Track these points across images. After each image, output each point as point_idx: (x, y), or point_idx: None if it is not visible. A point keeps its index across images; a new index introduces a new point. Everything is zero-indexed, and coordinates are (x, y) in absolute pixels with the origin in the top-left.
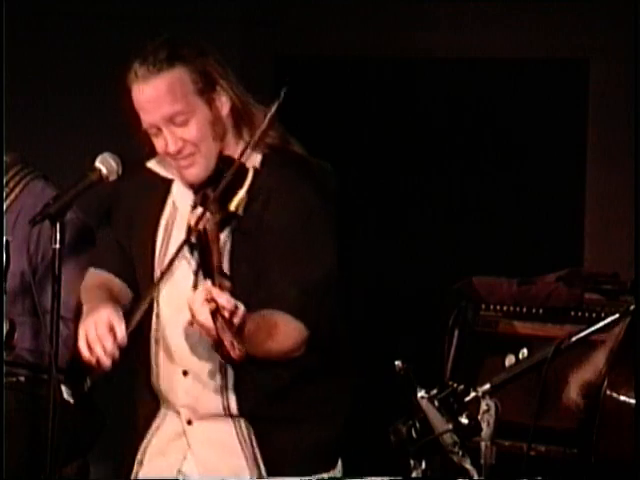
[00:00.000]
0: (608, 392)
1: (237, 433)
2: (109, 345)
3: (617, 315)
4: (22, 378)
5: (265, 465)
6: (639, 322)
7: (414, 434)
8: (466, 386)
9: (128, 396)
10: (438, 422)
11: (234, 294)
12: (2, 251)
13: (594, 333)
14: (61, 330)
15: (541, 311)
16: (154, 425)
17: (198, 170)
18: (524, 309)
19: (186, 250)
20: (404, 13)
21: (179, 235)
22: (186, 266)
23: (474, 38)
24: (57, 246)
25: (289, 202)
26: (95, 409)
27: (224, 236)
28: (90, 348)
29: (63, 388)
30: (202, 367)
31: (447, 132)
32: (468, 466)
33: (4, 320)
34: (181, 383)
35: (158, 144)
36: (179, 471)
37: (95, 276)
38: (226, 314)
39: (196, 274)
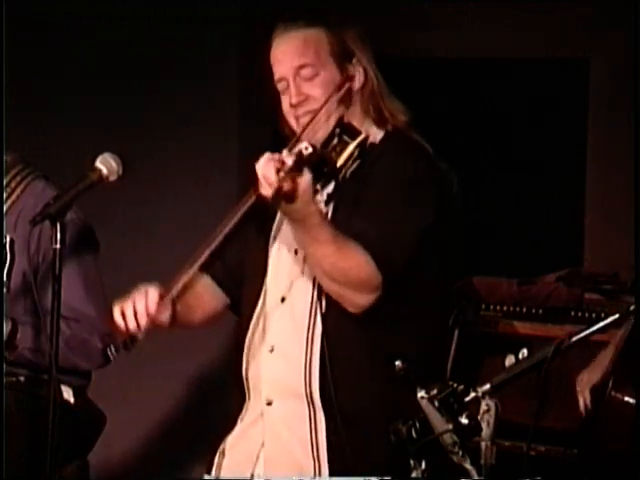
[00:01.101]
0: (613, 392)
1: (310, 422)
2: (140, 307)
3: (617, 315)
4: (22, 378)
5: (329, 465)
6: (639, 322)
7: (414, 434)
8: (466, 386)
9: (128, 396)
10: (438, 422)
11: None
12: (2, 251)
13: (594, 333)
14: (63, 330)
15: (541, 311)
16: (239, 418)
17: (315, 129)
18: (524, 309)
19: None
20: (404, 13)
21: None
22: (284, 247)
23: (474, 38)
24: (57, 246)
25: (400, 168)
26: (95, 409)
27: (327, 193)
28: (122, 315)
29: (63, 388)
30: (288, 343)
31: (447, 132)
32: (468, 466)
33: (6, 320)
34: (267, 359)
35: (285, 102)
36: (252, 475)
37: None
38: (287, 165)
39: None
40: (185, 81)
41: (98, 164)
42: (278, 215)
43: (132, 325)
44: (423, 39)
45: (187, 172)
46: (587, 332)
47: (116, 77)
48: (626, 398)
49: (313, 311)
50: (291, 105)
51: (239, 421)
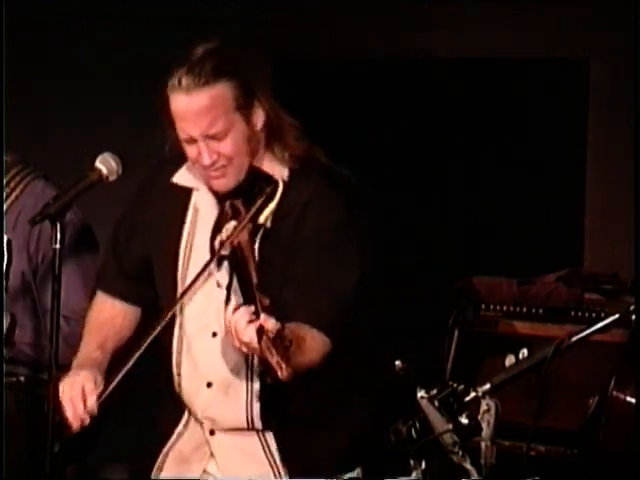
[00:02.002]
0: (615, 392)
1: (262, 445)
2: (79, 409)
3: (617, 315)
4: (22, 378)
5: (289, 472)
6: (639, 322)
7: (414, 434)
8: (466, 386)
9: (128, 396)
10: (438, 422)
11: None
12: (2, 251)
13: (594, 333)
14: (62, 327)
15: (541, 311)
16: (177, 431)
17: (228, 181)
18: (524, 309)
19: (213, 264)
20: (404, 13)
21: (202, 242)
22: (213, 280)
23: (474, 38)
24: (57, 246)
25: (323, 216)
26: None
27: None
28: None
29: None
30: (227, 380)
31: (447, 132)
32: (468, 466)
33: (5, 315)
34: (205, 394)
35: (190, 152)
36: (204, 471)
37: (99, 309)
38: (271, 336)
39: (228, 289)
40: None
41: (98, 164)
42: (185, 235)
43: (76, 424)
44: (423, 39)
45: None
46: (587, 332)
47: (116, 77)
48: (627, 398)
49: None
50: (202, 164)
51: (177, 433)
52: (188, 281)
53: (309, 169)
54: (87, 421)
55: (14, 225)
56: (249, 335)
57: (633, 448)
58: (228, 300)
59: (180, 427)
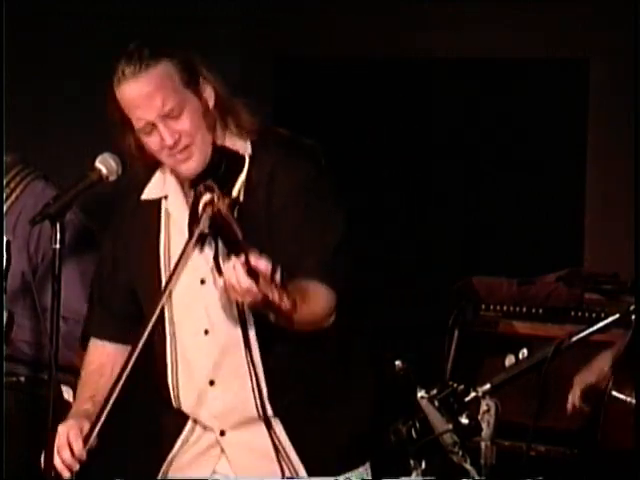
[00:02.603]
0: (613, 392)
1: (272, 441)
2: (66, 457)
3: (617, 315)
4: (22, 378)
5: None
6: (639, 322)
7: (414, 434)
8: (466, 386)
9: (128, 396)
10: (438, 422)
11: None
12: (2, 251)
13: (594, 333)
14: (60, 326)
15: (541, 311)
16: (181, 438)
17: (196, 162)
18: (524, 309)
19: (195, 247)
20: (404, 13)
21: (179, 240)
22: (197, 278)
23: (474, 38)
24: (57, 246)
25: (291, 180)
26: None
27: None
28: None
29: (63, 388)
30: (230, 373)
31: (447, 132)
32: (468, 466)
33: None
34: (209, 394)
35: (153, 142)
36: (214, 471)
37: (91, 358)
38: (267, 275)
39: (216, 259)
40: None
41: (98, 164)
42: (162, 244)
43: (66, 475)
44: (423, 39)
45: None
46: (587, 332)
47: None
48: (627, 398)
49: (246, 338)
50: (168, 147)
51: (181, 440)
52: (174, 288)
53: (269, 140)
54: (76, 467)
55: (14, 225)
56: (246, 281)
57: (633, 448)
58: (219, 270)
59: (185, 433)
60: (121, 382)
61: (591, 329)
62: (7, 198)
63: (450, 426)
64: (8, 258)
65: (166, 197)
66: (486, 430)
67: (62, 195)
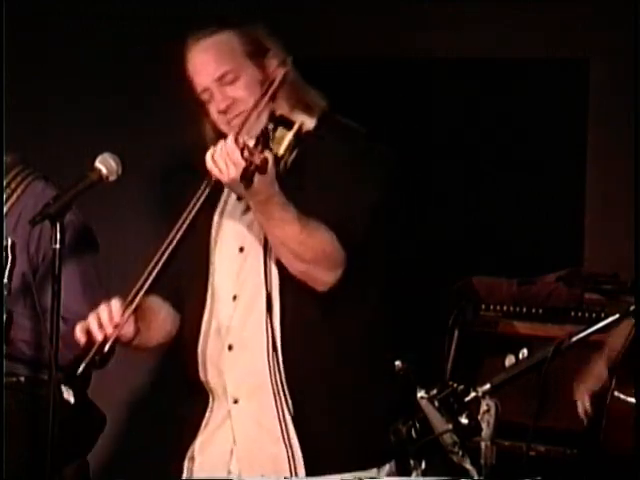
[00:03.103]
0: (616, 393)
1: (278, 412)
2: (104, 319)
3: (617, 315)
4: (22, 378)
5: (303, 456)
6: (639, 322)
7: (414, 434)
8: (466, 386)
9: (128, 396)
10: (438, 422)
11: None
12: (2, 251)
13: (594, 333)
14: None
15: (541, 311)
16: (204, 420)
17: (248, 128)
18: (524, 309)
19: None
20: (404, 13)
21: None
22: (235, 246)
23: (474, 38)
24: (57, 246)
25: (337, 151)
26: (95, 409)
27: None
28: (84, 331)
29: (63, 388)
30: (249, 338)
31: (447, 132)
32: (468, 466)
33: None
34: (227, 358)
35: (212, 109)
36: (229, 472)
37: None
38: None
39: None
40: (185, 81)
41: (98, 164)
42: (216, 215)
43: (99, 336)
44: (423, 39)
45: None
46: (587, 332)
47: (116, 77)
48: (629, 398)
49: (268, 305)
50: (220, 111)
51: (203, 426)
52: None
53: (334, 123)
54: (110, 331)
55: (15, 226)
56: (233, 151)
57: (633, 448)
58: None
59: (207, 414)
60: (163, 258)
61: (591, 329)
62: (8, 199)
63: (450, 426)
64: (13, 259)
65: None
66: (486, 430)
67: (62, 195)
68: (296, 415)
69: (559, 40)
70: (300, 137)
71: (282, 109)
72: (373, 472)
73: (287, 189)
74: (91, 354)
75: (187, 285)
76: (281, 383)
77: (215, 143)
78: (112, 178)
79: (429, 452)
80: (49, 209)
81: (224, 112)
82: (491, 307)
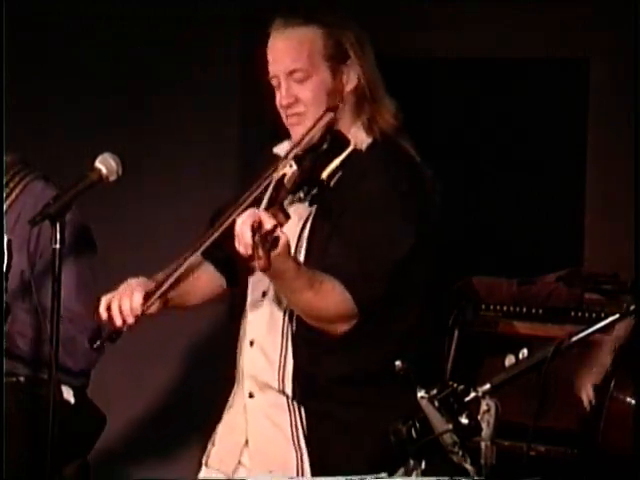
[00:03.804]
0: (615, 393)
1: (290, 414)
2: (125, 306)
3: (617, 315)
4: (22, 378)
5: (310, 460)
6: (639, 322)
7: (414, 434)
8: (466, 386)
9: (128, 396)
10: (438, 422)
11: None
12: (2, 251)
13: (594, 333)
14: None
15: (541, 311)
16: (228, 405)
17: (304, 130)
18: (524, 309)
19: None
20: (404, 13)
21: None
22: None
23: (474, 38)
24: (57, 246)
25: (381, 183)
26: (95, 409)
27: (306, 207)
28: (106, 309)
29: (63, 388)
30: (266, 338)
31: (447, 132)
32: (468, 466)
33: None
34: (248, 353)
35: (277, 97)
36: (239, 462)
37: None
38: (264, 228)
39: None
40: (185, 81)
41: (98, 164)
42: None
43: (118, 322)
44: (423, 39)
45: (187, 172)
46: (587, 332)
47: (116, 77)
48: (628, 398)
49: (288, 308)
50: (281, 105)
51: (227, 409)
52: None
53: (390, 147)
54: (130, 320)
55: (14, 225)
56: (245, 229)
57: (633, 448)
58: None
59: (230, 400)
60: (196, 253)
61: (591, 329)
62: (7, 198)
63: (450, 426)
64: (10, 257)
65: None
66: (486, 430)
67: (62, 195)
68: (308, 419)
69: (559, 40)
70: (349, 159)
71: (342, 119)
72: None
73: (322, 213)
74: (107, 334)
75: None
76: (288, 387)
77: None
78: (112, 178)
79: (429, 452)
80: (49, 209)
81: (284, 107)
82: (491, 307)
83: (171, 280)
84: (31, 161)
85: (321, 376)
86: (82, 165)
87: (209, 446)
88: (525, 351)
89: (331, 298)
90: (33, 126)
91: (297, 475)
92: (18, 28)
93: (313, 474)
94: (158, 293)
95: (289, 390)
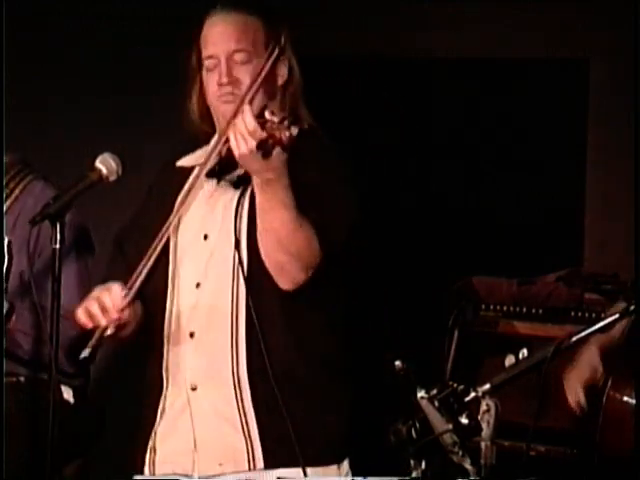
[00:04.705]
0: (611, 392)
1: (237, 403)
2: (107, 302)
3: (617, 315)
4: (22, 378)
5: (262, 447)
6: (639, 322)
7: (414, 434)
8: (466, 386)
9: (128, 396)
10: (438, 422)
11: None
12: (2, 251)
13: (594, 333)
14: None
15: (541, 311)
16: (159, 409)
17: (233, 108)
18: (524, 309)
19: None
20: (404, 13)
21: (194, 206)
22: (200, 234)
23: (474, 38)
24: (57, 246)
25: (320, 160)
26: (95, 409)
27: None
28: (87, 314)
29: (63, 388)
30: (211, 326)
31: (447, 132)
32: (468, 466)
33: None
34: (188, 345)
35: (211, 79)
36: (194, 440)
37: None
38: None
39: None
40: (185, 81)
41: (98, 164)
42: (179, 199)
43: (102, 321)
44: (423, 39)
45: None
46: (587, 332)
47: (116, 77)
48: (625, 398)
49: (234, 295)
50: (219, 84)
51: (159, 414)
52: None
53: (317, 138)
54: (114, 316)
55: (13, 226)
56: (253, 123)
57: (632, 448)
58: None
59: (162, 403)
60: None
61: (591, 329)
62: (6, 198)
63: (450, 426)
64: (9, 258)
65: (201, 165)
66: (486, 430)
67: (62, 195)
68: (255, 408)
69: (559, 40)
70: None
71: (273, 109)
72: (333, 469)
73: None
74: (96, 338)
75: (149, 272)
76: (243, 375)
77: (199, 115)
78: (112, 178)
79: (429, 452)
80: (49, 209)
81: (222, 85)
82: (491, 307)
83: (148, 266)
84: (31, 161)
85: (269, 363)
86: (82, 165)
87: (148, 455)
88: (525, 351)
89: (306, 231)
90: (33, 126)
91: (248, 466)
92: (18, 28)
93: (265, 463)
94: (138, 283)
95: (244, 377)
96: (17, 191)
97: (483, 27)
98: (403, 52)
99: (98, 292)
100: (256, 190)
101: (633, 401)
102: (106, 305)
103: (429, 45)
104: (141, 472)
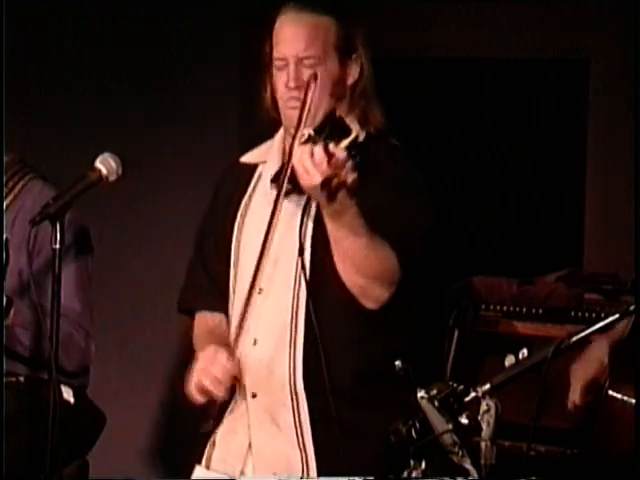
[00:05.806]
0: (610, 392)
1: (294, 414)
2: (218, 371)
3: (617, 315)
4: (22, 378)
5: (316, 461)
6: (639, 322)
7: (414, 434)
8: (466, 386)
9: (128, 396)
10: (438, 422)
11: None
12: (2, 250)
13: (594, 333)
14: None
15: (541, 311)
16: (229, 409)
17: (298, 115)
18: (524, 309)
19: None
20: (404, 13)
21: (258, 208)
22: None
23: (474, 38)
24: (57, 246)
25: (392, 165)
26: (95, 409)
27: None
28: (201, 391)
29: (63, 388)
30: (272, 334)
31: (447, 132)
32: (468, 466)
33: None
34: (250, 352)
35: (280, 78)
36: (247, 451)
37: (200, 323)
38: (338, 162)
39: (302, 218)
40: (185, 81)
41: (98, 164)
42: (242, 205)
43: (218, 394)
44: (423, 39)
45: (187, 172)
46: (587, 332)
47: (116, 77)
48: (624, 397)
49: (295, 302)
50: (287, 86)
51: (227, 414)
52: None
53: (385, 141)
54: (227, 384)
55: (12, 225)
56: (321, 155)
57: (632, 448)
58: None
59: (231, 404)
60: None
61: (591, 329)
62: (5, 197)
63: (450, 426)
64: (7, 257)
65: (264, 162)
66: (486, 430)
67: (62, 195)
68: (311, 416)
69: (559, 40)
70: (356, 146)
71: (340, 110)
72: None
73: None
74: (216, 410)
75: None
76: (299, 384)
77: (272, 106)
78: (112, 178)
79: (429, 452)
80: (49, 209)
81: (290, 89)
82: (491, 307)
83: (245, 317)
84: (31, 161)
85: (329, 374)
86: (82, 165)
87: (208, 448)
88: (525, 351)
89: (383, 251)
90: (33, 126)
91: (302, 477)
92: (18, 28)
93: (319, 476)
94: (239, 341)
95: (300, 386)
96: (16, 190)
97: (483, 27)
98: (403, 52)
99: (203, 363)
100: (325, 219)
101: (633, 401)
102: (218, 377)
103: (429, 45)
104: (199, 462)
